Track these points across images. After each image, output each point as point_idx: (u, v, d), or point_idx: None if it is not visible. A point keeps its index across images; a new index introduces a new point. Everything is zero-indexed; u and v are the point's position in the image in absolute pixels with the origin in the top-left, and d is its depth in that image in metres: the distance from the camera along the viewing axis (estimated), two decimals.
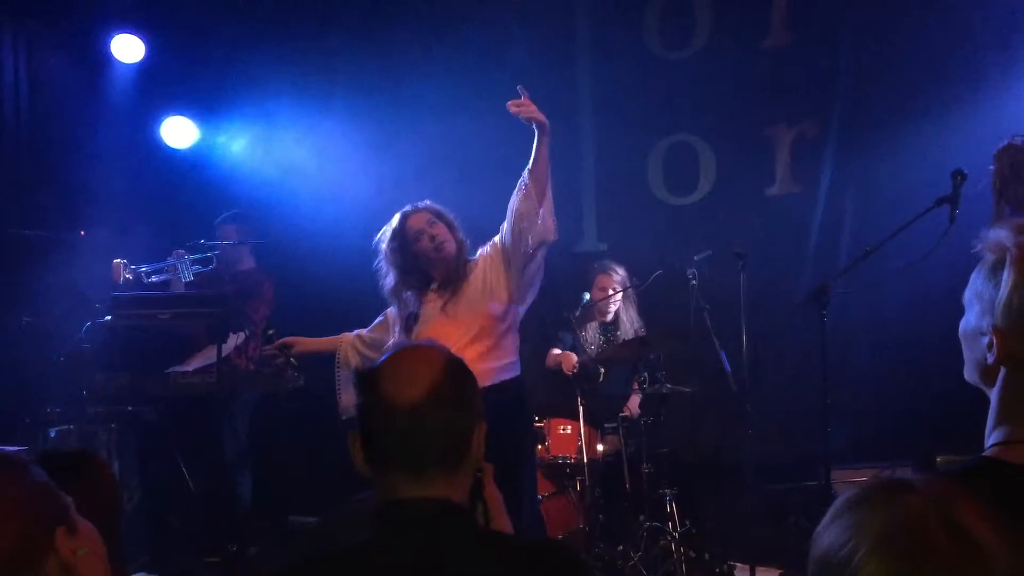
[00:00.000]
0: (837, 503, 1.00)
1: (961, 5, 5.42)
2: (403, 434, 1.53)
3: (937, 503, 0.95)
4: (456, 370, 1.60)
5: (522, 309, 3.87)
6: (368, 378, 1.58)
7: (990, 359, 1.32)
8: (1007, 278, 1.29)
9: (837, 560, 0.96)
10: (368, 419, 1.58)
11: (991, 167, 3.67)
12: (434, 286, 3.85)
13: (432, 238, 3.79)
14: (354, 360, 3.97)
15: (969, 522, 0.94)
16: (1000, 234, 1.31)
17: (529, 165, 3.68)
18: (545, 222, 3.69)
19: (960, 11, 5.42)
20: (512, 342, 3.82)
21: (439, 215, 3.86)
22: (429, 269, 3.85)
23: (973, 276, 1.35)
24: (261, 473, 5.47)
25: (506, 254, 3.76)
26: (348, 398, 3.92)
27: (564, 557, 1.63)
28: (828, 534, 0.98)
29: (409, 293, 3.86)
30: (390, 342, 3.88)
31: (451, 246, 3.81)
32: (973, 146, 4.83)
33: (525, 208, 3.66)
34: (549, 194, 3.72)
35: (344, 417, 3.93)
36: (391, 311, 3.97)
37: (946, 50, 5.48)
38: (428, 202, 3.91)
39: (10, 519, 1.32)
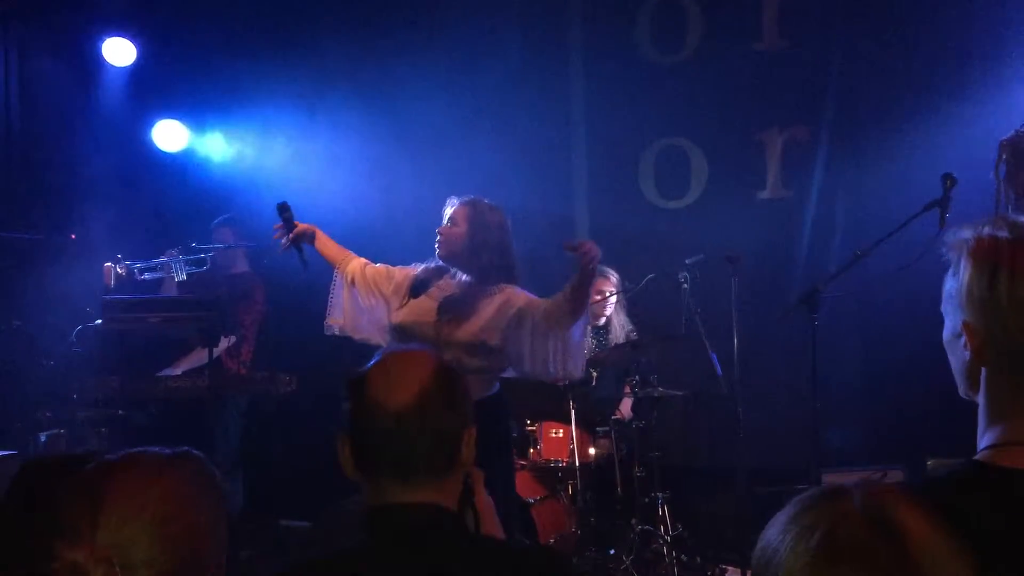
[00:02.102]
0: (785, 507, 1.02)
1: (950, 11, 5.46)
2: (392, 440, 1.53)
3: (867, 504, 0.96)
4: (446, 375, 1.59)
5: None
6: (357, 383, 1.58)
7: (967, 356, 1.33)
8: (964, 268, 1.31)
9: (766, 557, 0.98)
10: (357, 424, 1.57)
11: (998, 156, 3.67)
12: (447, 277, 3.72)
13: (440, 233, 3.69)
14: (354, 279, 3.85)
15: (900, 520, 0.94)
16: (960, 234, 1.34)
17: (564, 303, 3.45)
18: (569, 363, 3.54)
19: (949, 16, 5.45)
20: (497, 362, 3.64)
21: (468, 218, 3.66)
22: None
23: (944, 283, 1.37)
24: (253, 477, 5.46)
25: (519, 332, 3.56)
26: (335, 319, 3.87)
27: (552, 563, 1.64)
28: (764, 536, 1.01)
29: (434, 266, 3.76)
30: (378, 302, 3.80)
31: (447, 248, 3.67)
32: (963, 150, 4.86)
33: (550, 350, 3.50)
34: (580, 334, 3.54)
35: (327, 333, 3.89)
36: (402, 269, 3.84)
37: (936, 55, 5.52)
38: (468, 199, 3.72)
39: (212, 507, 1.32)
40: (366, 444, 1.56)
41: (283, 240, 3.87)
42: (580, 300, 3.45)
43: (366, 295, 3.85)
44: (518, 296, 3.59)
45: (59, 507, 1.24)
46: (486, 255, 3.61)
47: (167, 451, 1.35)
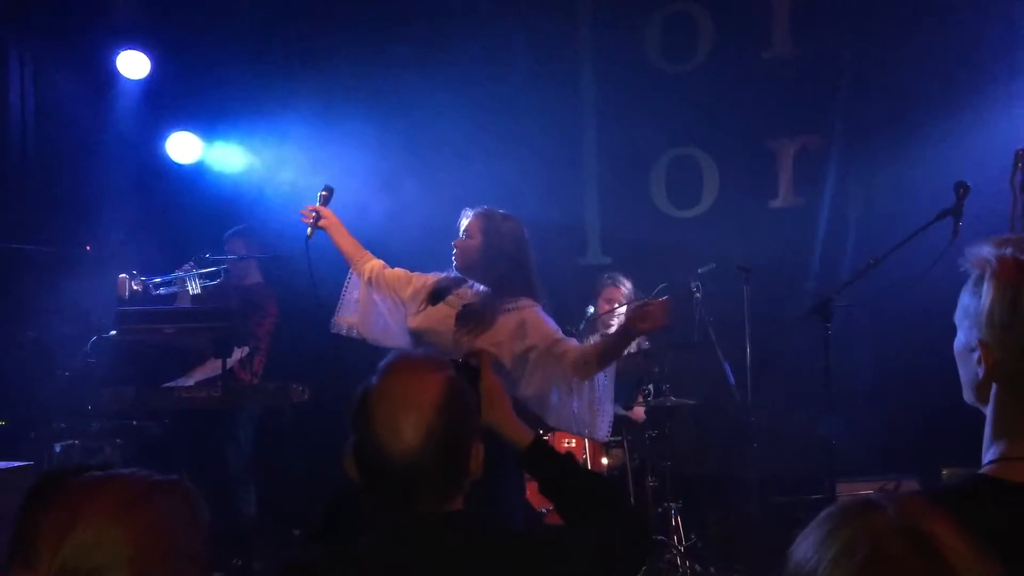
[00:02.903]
0: (814, 520, 1.02)
1: (964, 17, 5.44)
2: (397, 478, 1.53)
3: (903, 518, 0.96)
4: (453, 400, 1.57)
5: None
6: (360, 415, 1.56)
7: (980, 373, 1.33)
8: (987, 290, 1.31)
9: (804, 574, 0.97)
10: (362, 458, 1.57)
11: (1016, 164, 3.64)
12: (466, 286, 3.68)
13: (455, 245, 3.66)
14: (371, 278, 3.81)
15: (935, 534, 0.94)
16: (982, 250, 1.34)
17: (595, 356, 3.40)
18: (597, 421, 3.48)
19: (963, 23, 5.44)
20: (507, 381, 3.50)
21: (482, 229, 3.61)
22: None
23: (961, 294, 1.37)
24: (265, 487, 5.47)
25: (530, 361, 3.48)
26: (346, 318, 3.83)
27: (560, 541, 1.65)
28: (797, 551, 1.00)
29: (453, 276, 3.71)
30: (395, 305, 3.76)
31: (463, 260, 3.63)
32: (976, 158, 4.84)
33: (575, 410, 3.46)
34: (608, 392, 3.49)
35: (333, 331, 3.85)
36: (421, 275, 3.79)
37: (949, 62, 5.50)
38: (482, 210, 3.67)
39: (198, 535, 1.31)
40: (372, 479, 1.57)
41: (309, 223, 3.83)
42: (614, 355, 3.42)
43: (383, 296, 3.80)
44: (539, 322, 3.51)
45: (25, 526, 1.23)
46: (502, 265, 3.56)
47: (155, 476, 1.32)
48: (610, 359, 3.41)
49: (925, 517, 0.96)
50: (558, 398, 3.47)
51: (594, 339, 5.38)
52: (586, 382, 3.44)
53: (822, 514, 1.01)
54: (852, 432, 5.06)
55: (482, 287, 3.63)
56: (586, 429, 3.51)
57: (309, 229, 3.83)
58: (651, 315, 3.19)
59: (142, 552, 1.21)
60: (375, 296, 3.81)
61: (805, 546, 0.99)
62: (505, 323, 3.49)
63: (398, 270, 3.86)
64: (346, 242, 3.89)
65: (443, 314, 3.61)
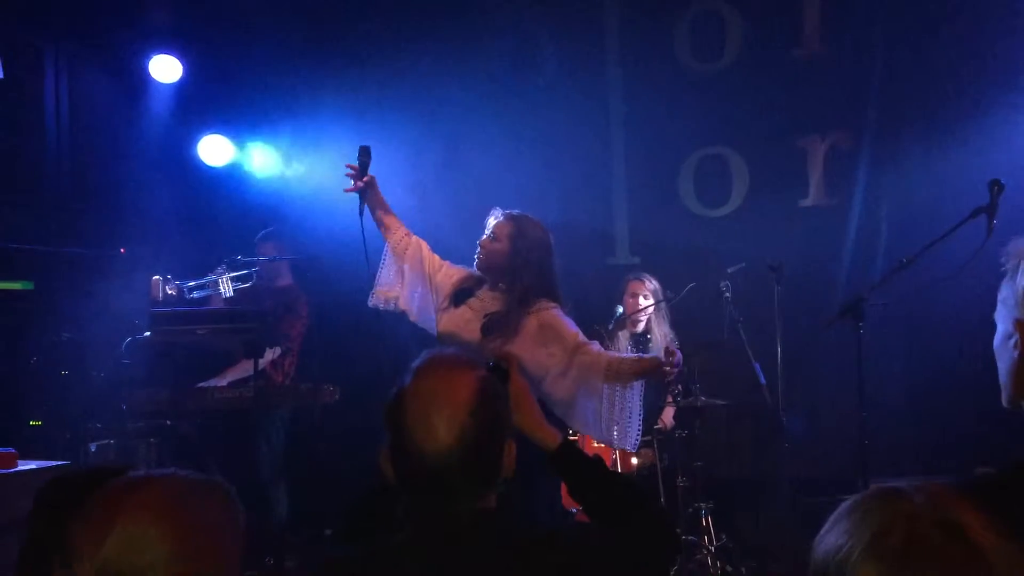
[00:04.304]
0: (837, 511, 1.01)
1: (995, 13, 5.38)
2: (432, 478, 1.55)
3: (932, 506, 0.96)
4: (485, 400, 1.58)
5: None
6: (394, 416, 1.58)
7: (1016, 355, 1.31)
8: (1022, 273, 1.30)
9: (834, 564, 0.97)
10: (397, 458, 1.59)
11: None
12: (486, 288, 3.68)
13: (481, 245, 3.65)
14: (410, 250, 3.79)
15: (967, 524, 0.94)
16: (1020, 243, 1.33)
17: (633, 371, 3.45)
18: (627, 432, 3.48)
19: (995, 17, 5.38)
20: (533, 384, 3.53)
21: (510, 236, 3.60)
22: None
23: (1000, 289, 1.36)
24: (298, 487, 5.51)
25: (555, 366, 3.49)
26: (382, 291, 3.79)
27: (589, 538, 1.65)
28: (826, 540, 1.00)
29: (477, 275, 3.72)
30: (426, 290, 3.75)
31: (487, 262, 3.64)
32: (1010, 155, 4.79)
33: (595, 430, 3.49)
34: (638, 406, 3.50)
35: (370, 304, 3.81)
36: (451, 268, 3.79)
37: (980, 58, 5.44)
38: (512, 215, 3.66)
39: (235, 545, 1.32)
40: (407, 479, 1.58)
41: (353, 183, 3.73)
42: (644, 376, 3.47)
43: (418, 275, 3.78)
44: (560, 324, 3.51)
45: (66, 524, 1.23)
46: (526, 274, 3.56)
47: (193, 476, 1.33)
48: (640, 376, 3.45)
49: (954, 507, 0.96)
50: (585, 404, 3.46)
51: (623, 337, 5.40)
52: (616, 391, 3.44)
53: (845, 505, 1.01)
54: (885, 432, 5.02)
55: (503, 292, 3.61)
56: (613, 437, 3.49)
57: (353, 185, 3.71)
58: (672, 365, 3.32)
59: (181, 553, 1.22)
60: (413, 272, 3.78)
61: (835, 533, 0.99)
62: (527, 328, 3.50)
63: (435, 255, 3.85)
64: (384, 208, 3.84)
65: (466, 318, 3.63)
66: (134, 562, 1.20)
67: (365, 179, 3.71)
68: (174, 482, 1.30)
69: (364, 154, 3.73)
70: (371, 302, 3.83)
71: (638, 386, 3.50)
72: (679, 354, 3.37)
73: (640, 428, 3.53)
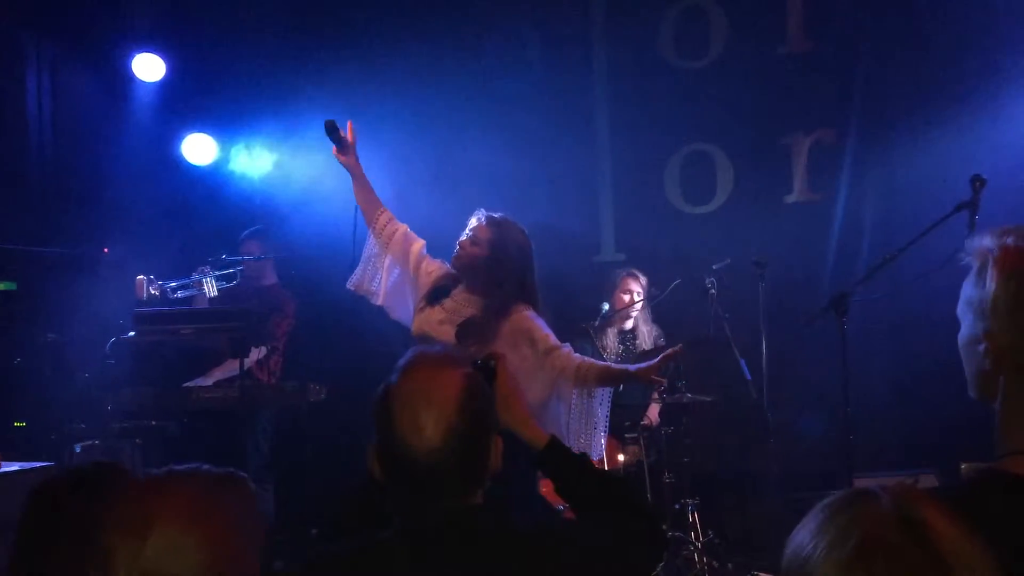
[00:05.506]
0: (811, 511, 1.02)
1: (979, 10, 5.41)
2: (420, 475, 1.56)
3: (897, 506, 0.96)
4: (472, 396, 1.59)
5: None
6: (382, 412, 1.58)
7: (986, 366, 1.32)
8: (990, 278, 1.30)
9: (799, 561, 0.99)
10: (384, 454, 1.60)
11: None
12: (462, 288, 3.64)
13: (460, 245, 3.61)
14: (391, 240, 3.79)
15: (930, 523, 0.94)
16: (983, 240, 1.33)
17: (600, 376, 3.44)
18: (591, 441, 3.48)
19: (978, 16, 5.41)
20: None
21: (491, 242, 3.55)
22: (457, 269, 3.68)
23: (963, 287, 1.36)
24: (283, 486, 5.49)
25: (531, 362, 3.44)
26: (363, 286, 3.81)
27: (577, 535, 1.66)
28: (794, 540, 1.01)
29: (453, 274, 3.68)
30: (405, 279, 3.77)
31: (464, 263, 3.58)
32: (992, 151, 4.82)
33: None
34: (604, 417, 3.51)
35: (349, 287, 3.83)
36: (431, 263, 3.76)
37: (964, 55, 5.48)
38: (495, 219, 3.60)
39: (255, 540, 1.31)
40: (394, 474, 1.60)
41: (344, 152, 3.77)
42: (612, 383, 3.51)
43: (401, 270, 3.78)
44: (532, 327, 3.47)
45: (99, 529, 1.20)
46: (507, 284, 3.53)
47: (215, 471, 1.32)
48: (608, 384, 3.47)
49: (919, 506, 0.96)
50: (557, 407, 3.45)
51: (611, 334, 5.41)
52: (584, 399, 3.43)
53: (820, 504, 1.02)
54: (870, 427, 5.05)
55: (478, 294, 3.57)
56: (580, 443, 3.46)
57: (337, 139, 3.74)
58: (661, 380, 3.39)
59: (213, 562, 1.22)
60: (396, 266, 3.79)
61: (803, 534, 1.01)
62: (501, 331, 3.47)
63: (417, 246, 3.82)
64: (365, 190, 3.85)
65: (439, 319, 3.59)
66: (171, 570, 1.19)
67: (344, 159, 3.76)
68: (204, 482, 1.29)
69: (332, 129, 3.75)
70: (349, 284, 3.84)
71: (605, 395, 3.48)
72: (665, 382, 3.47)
73: (604, 437, 3.54)
